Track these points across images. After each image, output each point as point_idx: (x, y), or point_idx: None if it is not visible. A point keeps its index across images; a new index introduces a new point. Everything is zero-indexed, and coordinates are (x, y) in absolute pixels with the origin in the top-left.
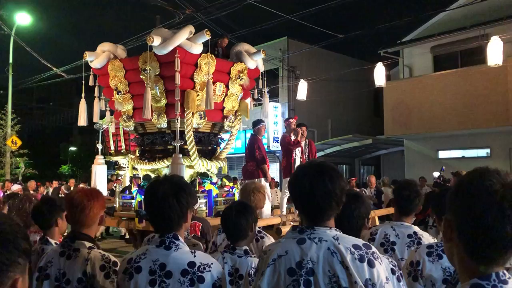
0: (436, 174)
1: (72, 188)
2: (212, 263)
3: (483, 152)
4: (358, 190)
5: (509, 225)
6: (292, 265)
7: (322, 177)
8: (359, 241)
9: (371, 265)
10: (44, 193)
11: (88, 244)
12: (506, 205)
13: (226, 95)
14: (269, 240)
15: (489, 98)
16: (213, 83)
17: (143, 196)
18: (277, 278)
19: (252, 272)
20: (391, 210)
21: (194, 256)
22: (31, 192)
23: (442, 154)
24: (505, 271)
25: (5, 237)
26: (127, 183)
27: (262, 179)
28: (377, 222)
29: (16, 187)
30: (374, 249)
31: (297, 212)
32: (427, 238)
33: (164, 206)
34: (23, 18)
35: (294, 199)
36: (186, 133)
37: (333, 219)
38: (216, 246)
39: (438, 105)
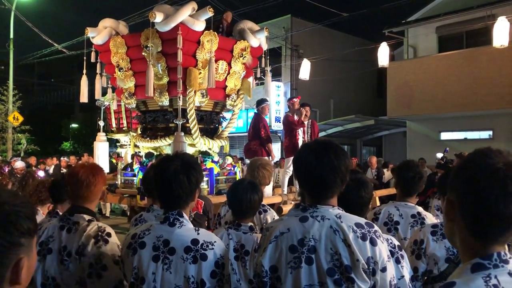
0: (439, 155)
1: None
2: (215, 241)
3: (485, 134)
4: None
5: (511, 203)
6: (294, 242)
7: (328, 153)
8: (362, 220)
9: (373, 243)
10: (45, 170)
11: (87, 217)
12: (509, 183)
13: (228, 73)
14: (271, 213)
15: (493, 80)
16: (216, 61)
17: (151, 171)
18: (279, 254)
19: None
20: (391, 191)
21: (198, 233)
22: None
23: (444, 135)
24: (506, 251)
25: (5, 219)
26: (129, 160)
27: (266, 158)
28: (378, 203)
29: (19, 164)
30: (376, 227)
31: (298, 191)
32: (430, 219)
33: (174, 183)
34: None
35: (299, 175)
36: (188, 111)
37: (336, 197)
38: (220, 218)
39: (442, 86)
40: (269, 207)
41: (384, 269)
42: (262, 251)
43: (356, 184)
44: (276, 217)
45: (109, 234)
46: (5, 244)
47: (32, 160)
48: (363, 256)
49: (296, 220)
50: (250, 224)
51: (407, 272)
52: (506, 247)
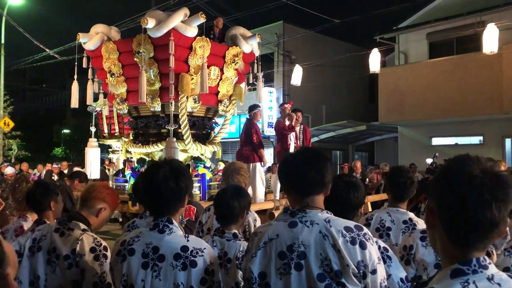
0: (429, 160)
1: (66, 171)
2: (205, 248)
3: (476, 140)
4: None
5: (488, 210)
6: (283, 249)
7: (310, 154)
8: (351, 223)
9: (363, 247)
10: (36, 176)
11: (83, 226)
12: (485, 190)
13: (220, 79)
14: (252, 215)
15: (483, 85)
16: (208, 66)
17: (140, 178)
18: (268, 261)
19: (240, 255)
20: (383, 196)
21: (187, 240)
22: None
23: (436, 141)
24: (485, 257)
25: None
26: (120, 166)
27: (258, 163)
28: (370, 208)
29: (9, 170)
30: (366, 230)
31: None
32: (421, 225)
33: (163, 190)
34: None
35: (283, 178)
36: (180, 117)
37: (322, 199)
38: (202, 225)
39: (433, 92)
40: (249, 209)
41: (374, 271)
42: (250, 257)
43: (347, 186)
44: (257, 218)
45: (106, 248)
46: None
47: (24, 166)
48: (353, 261)
49: (285, 225)
50: (234, 231)
51: (396, 271)
52: (495, 252)
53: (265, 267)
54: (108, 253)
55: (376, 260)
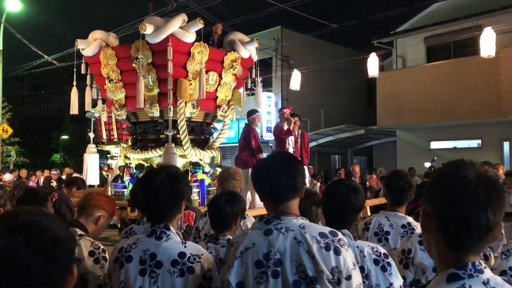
0: (427, 164)
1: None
2: (202, 254)
3: (474, 143)
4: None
5: (483, 213)
6: (259, 257)
7: (282, 159)
8: (326, 229)
9: (337, 252)
10: (35, 182)
11: (79, 231)
12: (481, 193)
13: (219, 84)
14: (250, 219)
15: (481, 89)
16: (206, 72)
17: (138, 184)
18: (245, 270)
19: None
20: (382, 200)
21: (185, 246)
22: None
23: (434, 144)
24: (481, 261)
25: (59, 235)
26: (117, 172)
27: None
28: (369, 213)
29: (8, 177)
30: (340, 236)
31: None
32: (420, 229)
33: (160, 196)
34: (13, 5)
35: (257, 185)
36: (178, 122)
37: (297, 202)
38: (198, 231)
39: (431, 96)
40: (247, 214)
41: (349, 277)
42: (227, 268)
43: (348, 190)
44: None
45: (104, 251)
46: (67, 254)
47: (23, 172)
48: (327, 267)
49: (260, 233)
50: (228, 237)
51: (396, 279)
52: (492, 256)
53: (243, 276)
54: (107, 255)
55: (351, 266)
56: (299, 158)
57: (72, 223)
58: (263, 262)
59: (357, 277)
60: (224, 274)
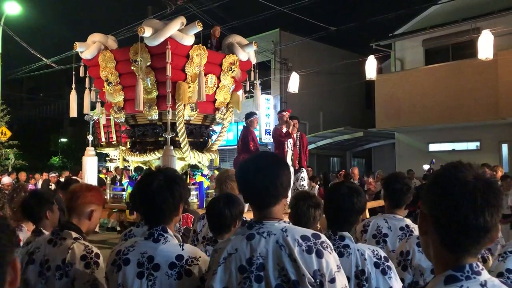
0: (426, 166)
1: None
2: (200, 257)
3: (473, 145)
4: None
5: (481, 215)
6: (242, 263)
7: (264, 161)
8: (308, 232)
9: (319, 255)
10: (34, 185)
11: (74, 234)
12: (479, 195)
13: (217, 87)
14: None
15: (479, 91)
16: (205, 75)
17: (135, 187)
18: (229, 276)
19: None
20: (381, 203)
21: (182, 249)
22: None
23: (433, 147)
24: (478, 263)
25: (1, 222)
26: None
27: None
28: (367, 215)
29: (6, 180)
30: (323, 238)
31: (288, 202)
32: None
33: (157, 199)
34: (12, 8)
35: (241, 187)
36: (177, 125)
37: (281, 207)
38: (196, 234)
39: (429, 98)
40: (245, 217)
41: (332, 280)
42: (211, 274)
43: (350, 191)
44: None
45: (98, 256)
46: (7, 243)
47: (22, 175)
48: (309, 270)
49: (243, 238)
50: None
51: (395, 283)
52: (490, 258)
53: (227, 282)
54: (100, 261)
55: (335, 269)
56: (286, 159)
57: (66, 225)
58: (246, 267)
59: (341, 280)
60: (209, 282)
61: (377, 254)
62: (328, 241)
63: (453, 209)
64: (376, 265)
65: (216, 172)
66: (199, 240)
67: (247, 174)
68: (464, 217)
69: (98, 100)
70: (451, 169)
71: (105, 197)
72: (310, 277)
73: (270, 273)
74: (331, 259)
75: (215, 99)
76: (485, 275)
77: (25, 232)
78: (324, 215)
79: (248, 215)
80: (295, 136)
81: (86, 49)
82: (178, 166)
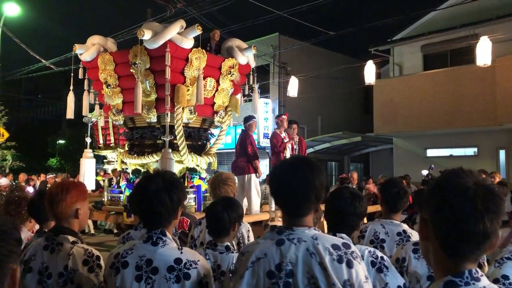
0: (424, 172)
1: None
2: (198, 260)
3: (470, 151)
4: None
5: (481, 221)
6: (271, 268)
7: (303, 169)
8: (339, 241)
9: (349, 265)
10: (33, 186)
11: (71, 238)
12: (478, 201)
13: (216, 90)
14: (245, 226)
15: (477, 98)
16: (204, 78)
17: (133, 190)
18: (257, 281)
19: (232, 267)
20: (378, 208)
21: (181, 252)
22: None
23: (430, 152)
24: (477, 269)
25: (1, 229)
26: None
27: (253, 175)
28: (365, 220)
29: (4, 181)
30: (353, 248)
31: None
32: (416, 237)
33: (156, 202)
34: (11, 9)
35: (273, 192)
36: (176, 128)
37: (312, 216)
38: (194, 240)
39: (427, 104)
40: (243, 221)
41: None
42: (238, 278)
43: (352, 196)
44: (250, 229)
45: (98, 258)
46: (6, 253)
47: (21, 177)
48: (339, 280)
49: (272, 244)
50: (226, 243)
51: (393, 279)
52: (485, 265)
53: (254, 287)
54: (101, 262)
55: (363, 279)
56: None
57: (60, 230)
58: (275, 273)
59: None
60: (235, 285)
61: (373, 254)
62: (357, 251)
63: (453, 215)
64: (373, 263)
65: None
66: (197, 246)
67: (285, 180)
68: (463, 223)
69: (97, 102)
70: (451, 175)
71: (88, 191)
72: (340, 287)
73: (299, 280)
74: (360, 270)
75: (214, 103)
76: (484, 281)
77: (25, 233)
78: (323, 219)
79: (246, 219)
80: (295, 140)
81: (86, 51)
82: (176, 169)
